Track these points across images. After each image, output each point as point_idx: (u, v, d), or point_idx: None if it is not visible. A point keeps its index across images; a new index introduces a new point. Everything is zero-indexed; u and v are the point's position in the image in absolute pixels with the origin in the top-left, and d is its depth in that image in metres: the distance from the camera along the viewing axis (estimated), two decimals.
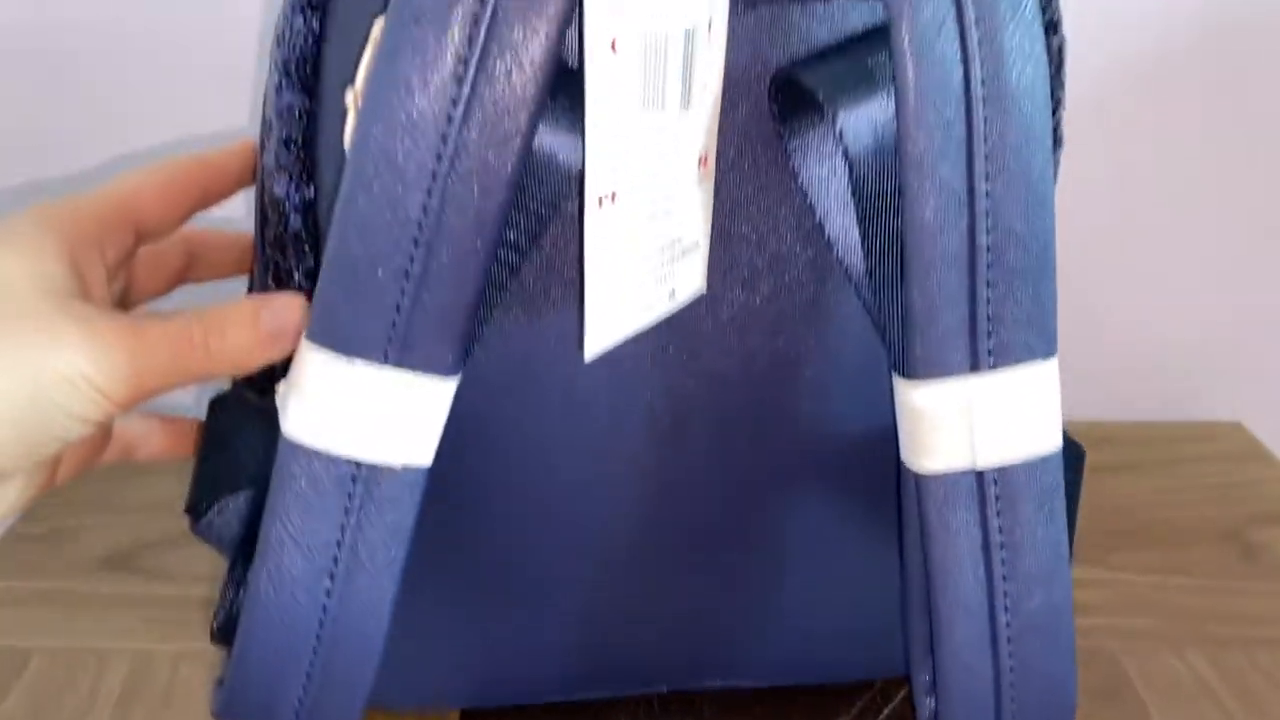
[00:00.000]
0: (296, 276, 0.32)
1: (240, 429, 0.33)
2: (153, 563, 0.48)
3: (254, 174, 0.35)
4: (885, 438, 0.31)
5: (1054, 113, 0.33)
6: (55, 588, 0.46)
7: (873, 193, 0.28)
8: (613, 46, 0.24)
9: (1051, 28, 0.31)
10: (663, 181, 0.27)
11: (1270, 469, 0.57)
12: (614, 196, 0.26)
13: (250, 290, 0.37)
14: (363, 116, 0.25)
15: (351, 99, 0.26)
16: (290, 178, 0.31)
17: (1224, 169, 0.58)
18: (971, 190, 0.26)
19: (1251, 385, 0.63)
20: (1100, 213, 0.59)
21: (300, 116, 0.30)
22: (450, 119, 0.25)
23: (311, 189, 0.31)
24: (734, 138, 0.30)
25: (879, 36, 0.27)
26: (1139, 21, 0.55)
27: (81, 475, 0.50)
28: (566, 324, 0.30)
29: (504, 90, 0.25)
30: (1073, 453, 0.35)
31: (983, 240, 0.27)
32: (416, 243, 0.26)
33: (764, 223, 0.31)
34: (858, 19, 0.29)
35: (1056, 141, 0.33)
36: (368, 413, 0.27)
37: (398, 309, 0.26)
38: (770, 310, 0.32)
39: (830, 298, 0.32)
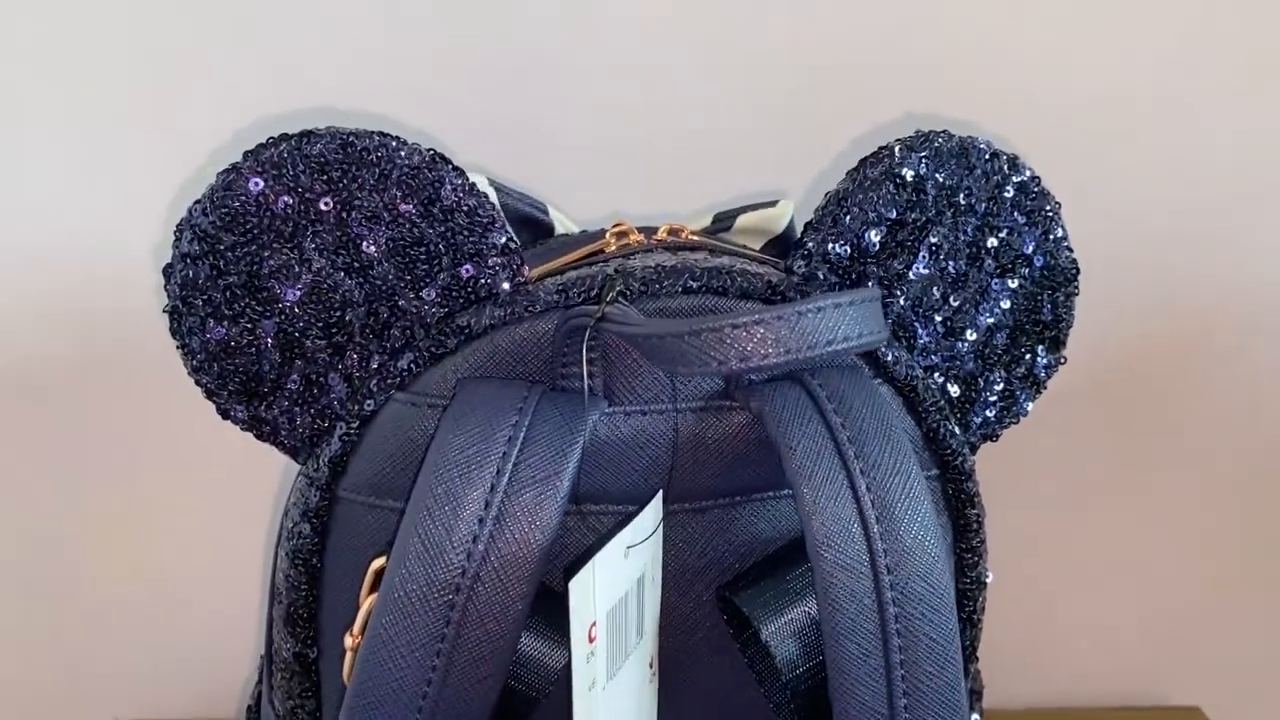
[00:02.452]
0: (301, 715, 0.36)
1: None
2: None
3: None
4: None
5: (976, 565, 0.37)
6: None
7: (801, 678, 0.31)
8: (590, 635, 0.28)
9: (969, 503, 0.36)
10: (626, 705, 0.31)
11: None
12: None
13: (258, 696, 0.41)
14: (357, 673, 0.29)
15: (350, 642, 0.30)
16: (295, 641, 0.35)
17: (1186, 470, 0.62)
18: (891, 706, 0.30)
19: (1208, 671, 0.66)
20: (1062, 509, 0.63)
21: (306, 596, 0.34)
22: (433, 670, 0.29)
23: (315, 650, 0.35)
24: (685, 623, 0.34)
25: (800, 554, 0.32)
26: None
27: None
28: None
29: (482, 645, 0.29)
30: None
31: None
32: None
33: (714, 691, 0.34)
34: (793, 515, 0.34)
35: (980, 584, 0.37)
36: None
37: None
38: None
39: None
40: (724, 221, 0.43)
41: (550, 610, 0.30)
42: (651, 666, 0.32)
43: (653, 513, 0.30)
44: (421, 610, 0.28)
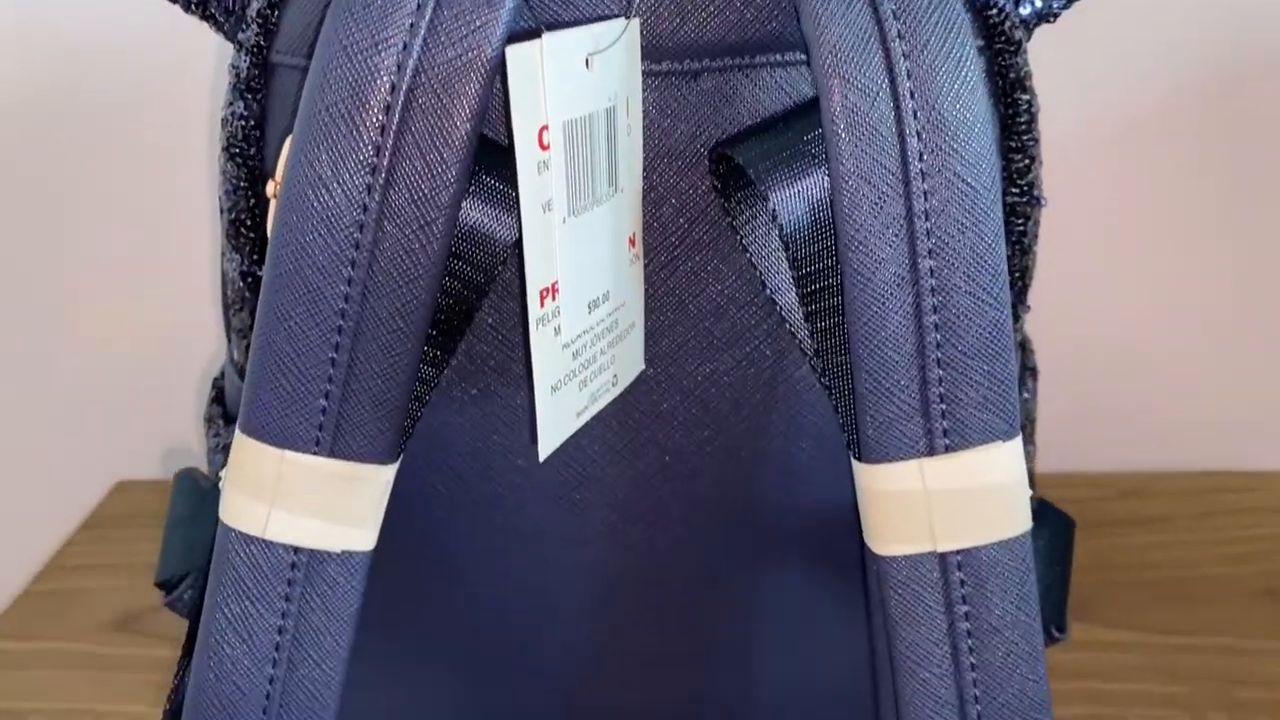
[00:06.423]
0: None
1: (202, 510, 0.33)
2: (159, 625, 0.49)
3: None
4: (858, 512, 0.30)
5: (1028, 170, 0.31)
6: (59, 649, 0.47)
7: (813, 271, 0.26)
8: (540, 140, 0.23)
9: (1019, 86, 0.30)
10: (600, 268, 0.26)
11: None
12: (555, 289, 0.25)
13: (229, 344, 0.37)
14: (280, 208, 0.25)
15: (272, 189, 0.25)
16: (242, 257, 0.31)
17: (1266, 214, 0.56)
18: (914, 268, 0.25)
19: None
20: (1135, 260, 0.57)
21: (247, 197, 0.30)
22: (366, 208, 0.24)
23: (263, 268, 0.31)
24: (685, 210, 0.29)
25: (817, 109, 0.26)
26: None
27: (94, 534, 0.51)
28: (524, 401, 0.30)
29: (422, 179, 0.24)
30: (1059, 523, 0.34)
31: (929, 320, 0.25)
32: (341, 331, 0.25)
33: (720, 294, 0.30)
34: (809, 88, 0.28)
35: (1034, 200, 0.32)
36: (303, 502, 0.27)
37: (326, 397, 0.26)
38: (733, 381, 0.31)
39: (793, 369, 0.31)
40: None
41: (498, 165, 0.26)
42: (634, 246, 0.27)
43: (619, 25, 0.25)
44: (345, 128, 0.24)
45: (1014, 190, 0.31)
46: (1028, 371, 0.37)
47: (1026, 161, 0.31)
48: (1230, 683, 0.44)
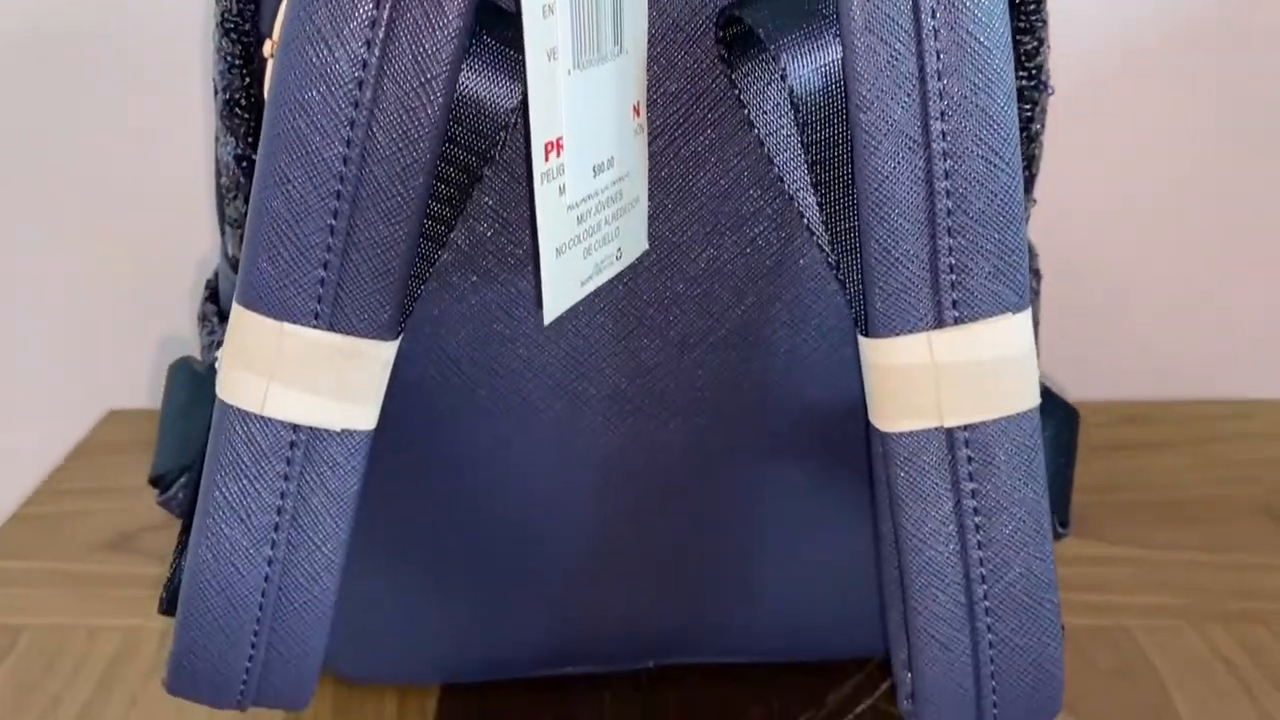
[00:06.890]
0: None
1: (199, 398, 0.32)
2: (152, 545, 0.48)
3: None
4: (862, 402, 0.30)
5: (1036, 53, 0.31)
6: (51, 568, 0.47)
7: (824, 139, 0.26)
8: None
9: None
10: (604, 131, 0.26)
11: None
12: (560, 145, 0.24)
13: (222, 238, 0.36)
14: (277, 66, 0.24)
15: (269, 49, 0.25)
16: (237, 140, 0.30)
17: (1266, 143, 0.55)
18: (926, 130, 0.25)
19: None
20: (1137, 189, 0.56)
21: (242, 76, 0.30)
22: (366, 64, 0.24)
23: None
24: (688, 86, 0.28)
25: None
26: None
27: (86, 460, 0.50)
28: (525, 288, 0.29)
29: (423, 33, 0.24)
30: (1065, 414, 0.33)
31: (941, 185, 0.25)
32: (340, 196, 0.25)
33: (725, 176, 0.29)
34: None
35: (1041, 85, 0.31)
36: (302, 377, 0.26)
37: (325, 267, 0.25)
38: (736, 268, 0.30)
39: (799, 253, 0.30)
40: None
41: (499, 27, 0.25)
42: (638, 115, 0.27)
43: None
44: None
45: (1021, 74, 0.31)
46: (1032, 274, 0.37)
47: (1035, 44, 0.30)
48: (1229, 595, 0.44)
